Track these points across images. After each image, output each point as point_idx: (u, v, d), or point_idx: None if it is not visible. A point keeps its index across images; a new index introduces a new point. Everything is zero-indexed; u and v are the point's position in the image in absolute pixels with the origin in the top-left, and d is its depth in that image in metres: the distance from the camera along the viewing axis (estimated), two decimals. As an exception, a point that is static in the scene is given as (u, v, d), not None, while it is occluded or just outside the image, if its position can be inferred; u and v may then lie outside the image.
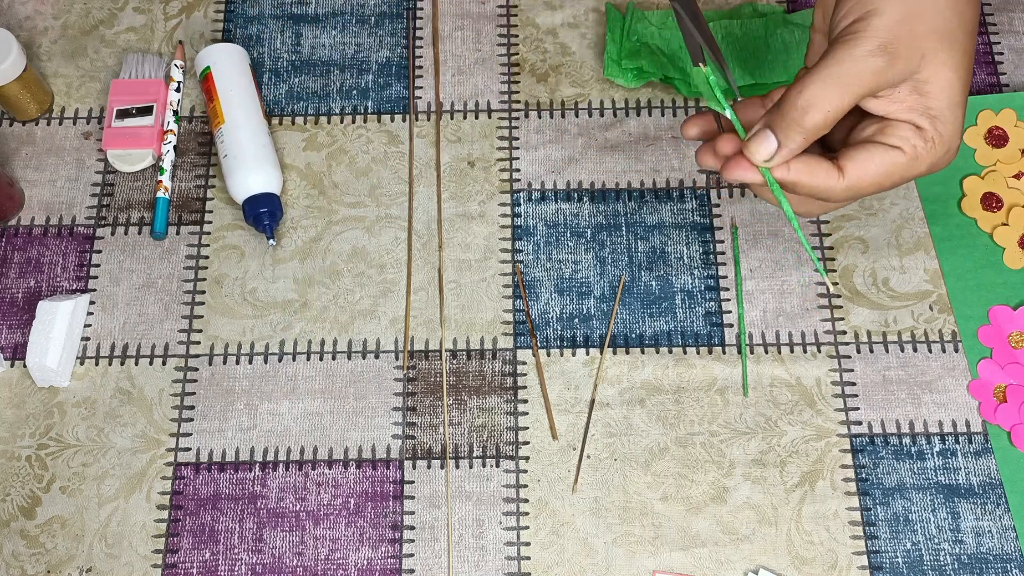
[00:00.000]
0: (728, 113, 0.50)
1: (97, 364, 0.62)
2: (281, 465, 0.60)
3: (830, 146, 0.53)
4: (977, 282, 0.63)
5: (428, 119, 0.69)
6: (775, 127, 0.48)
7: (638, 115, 0.69)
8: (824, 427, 0.60)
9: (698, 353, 0.62)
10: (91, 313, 0.64)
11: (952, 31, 0.47)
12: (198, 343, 0.63)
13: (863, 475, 0.59)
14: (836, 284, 0.62)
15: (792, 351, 0.62)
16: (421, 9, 0.73)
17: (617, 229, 0.66)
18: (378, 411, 0.61)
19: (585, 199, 0.67)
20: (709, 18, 0.71)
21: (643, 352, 0.62)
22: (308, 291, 0.64)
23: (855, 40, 0.47)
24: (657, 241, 0.65)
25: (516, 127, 0.69)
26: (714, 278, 0.64)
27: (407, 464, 0.60)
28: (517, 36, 0.72)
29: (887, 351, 0.62)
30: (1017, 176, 0.66)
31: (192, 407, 0.61)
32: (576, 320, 0.63)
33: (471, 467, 0.60)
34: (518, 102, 0.70)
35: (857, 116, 0.51)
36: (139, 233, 0.66)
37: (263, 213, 0.63)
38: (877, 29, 0.47)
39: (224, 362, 0.62)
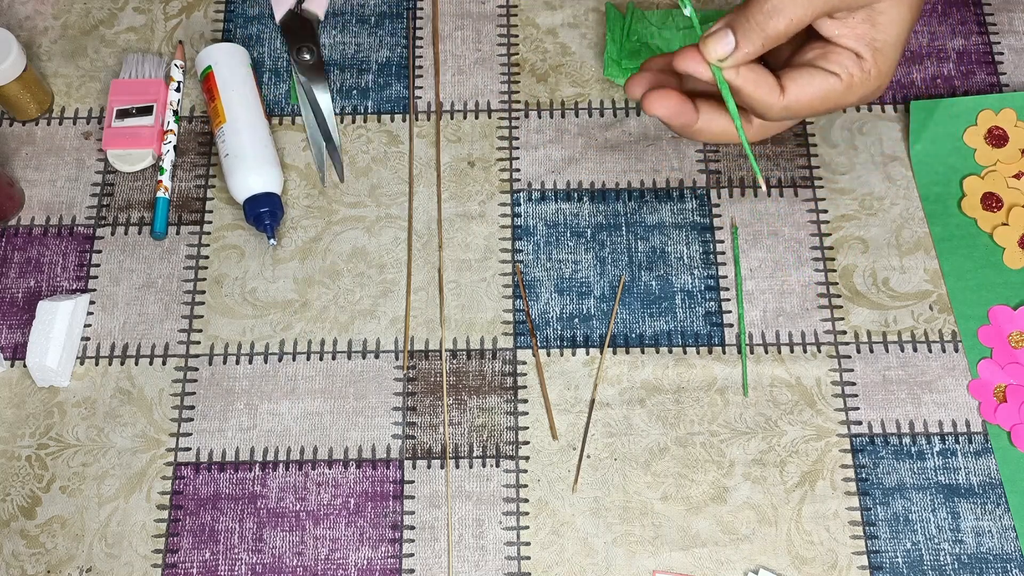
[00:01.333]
0: (688, 10, 0.51)
1: (97, 364, 0.62)
2: (281, 465, 0.60)
3: (771, 66, 0.54)
4: (977, 282, 0.63)
5: (428, 119, 0.69)
6: (736, 27, 0.49)
7: (638, 115, 0.69)
8: (824, 427, 0.60)
9: (698, 353, 0.62)
10: (91, 313, 0.64)
11: None
12: (198, 343, 0.63)
13: (863, 475, 0.59)
14: (768, 186, 0.62)
15: (792, 351, 0.62)
16: (421, 9, 0.73)
17: (617, 229, 0.66)
18: (378, 411, 0.61)
19: (585, 199, 0.67)
20: (709, 18, 0.71)
21: (643, 352, 0.62)
22: (308, 291, 0.64)
23: None
24: (657, 241, 0.65)
25: (516, 127, 0.69)
26: (714, 278, 0.64)
27: (407, 464, 0.60)
28: (517, 36, 0.72)
29: (887, 351, 0.62)
30: (1017, 176, 0.66)
31: (192, 407, 0.61)
32: (576, 320, 0.63)
33: (471, 467, 0.60)
34: (518, 102, 0.70)
35: (803, 38, 0.52)
36: (139, 233, 0.66)
37: (264, 213, 0.63)
38: None
39: (224, 362, 0.62)
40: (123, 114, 0.67)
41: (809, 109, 0.51)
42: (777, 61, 0.55)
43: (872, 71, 0.51)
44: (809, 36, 0.52)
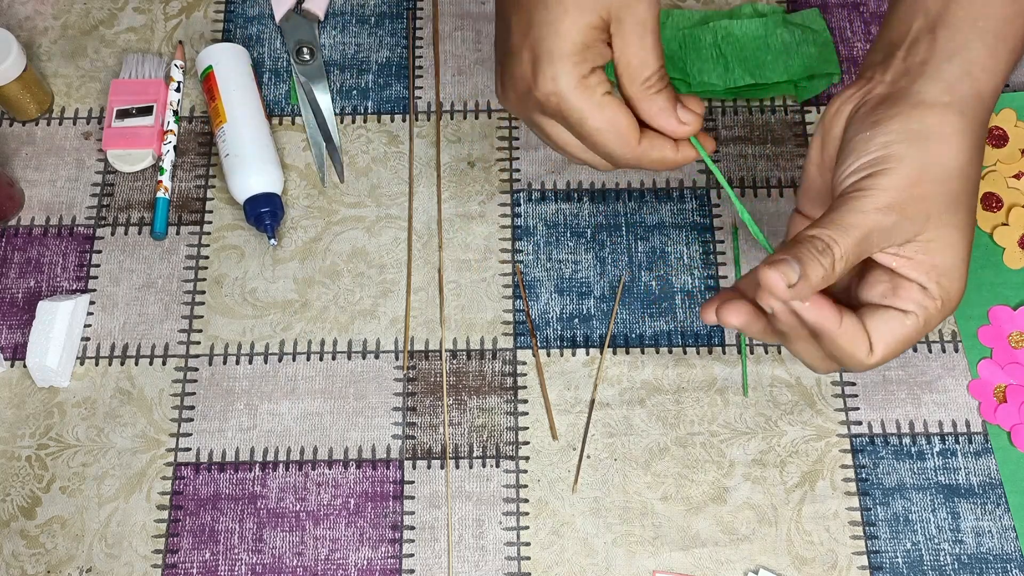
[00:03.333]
0: (746, 216, 0.50)
1: (97, 364, 0.62)
2: (281, 465, 0.60)
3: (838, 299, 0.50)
4: (977, 282, 0.63)
5: (428, 119, 0.69)
6: (799, 257, 0.45)
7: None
8: (824, 427, 0.60)
9: (698, 353, 0.62)
10: (91, 313, 0.64)
11: (958, 194, 0.47)
12: (198, 343, 0.63)
13: (863, 475, 0.59)
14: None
15: (792, 351, 0.62)
16: (421, 9, 0.73)
17: (617, 229, 0.66)
18: (378, 411, 0.61)
19: (585, 199, 0.67)
20: (709, 18, 0.71)
21: (643, 352, 0.62)
22: (308, 291, 0.64)
23: (863, 196, 0.46)
24: (657, 241, 0.65)
25: (516, 127, 0.69)
26: (714, 278, 0.64)
27: (407, 464, 0.60)
28: (517, 36, 0.72)
29: (887, 351, 0.62)
30: (1017, 176, 0.66)
31: (192, 407, 0.61)
32: (576, 320, 0.63)
33: (471, 467, 0.60)
34: (518, 102, 0.70)
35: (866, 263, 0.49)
36: (139, 233, 0.66)
37: (264, 213, 0.63)
38: (887, 188, 0.46)
39: (224, 362, 0.62)
40: (123, 114, 0.67)
41: (895, 355, 0.48)
42: (842, 292, 0.51)
43: (942, 298, 0.47)
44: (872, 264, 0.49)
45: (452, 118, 0.69)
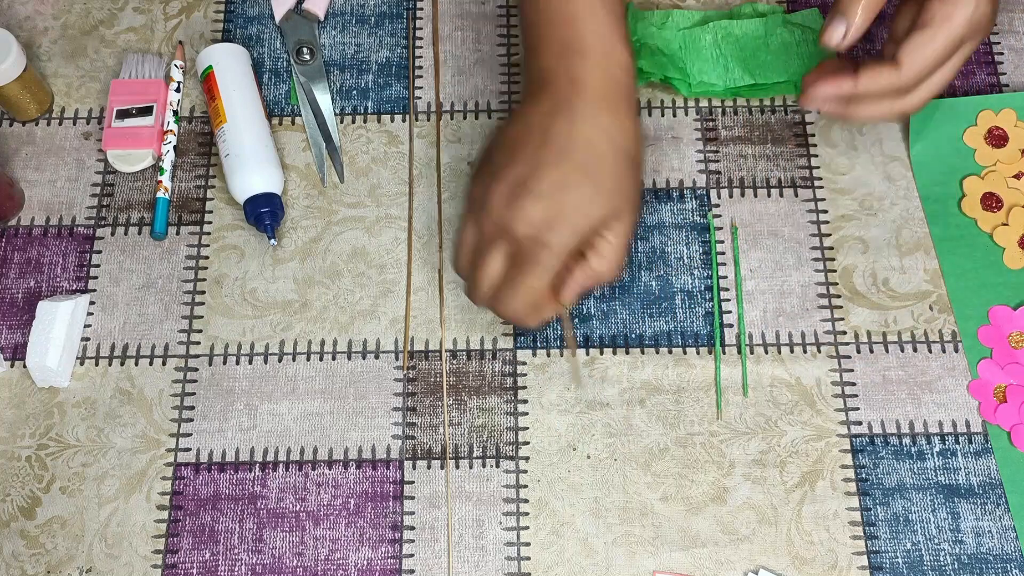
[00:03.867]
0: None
1: (97, 364, 0.62)
2: (281, 465, 0.60)
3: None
4: (977, 282, 0.63)
5: (428, 119, 0.69)
6: (841, 11, 0.56)
7: (638, 115, 0.69)
8: (824, 427, 0.60)
9: (698, 353, 0.62)
10: (91, 313, 0.64)
11: None
12: (198, 343, 0.63)
13: (863, 475, 0.59)
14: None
15: (792, 351, 0.62)
16: (421, 9, 0.73)
17: (617, 229, 0.66)
18: (378, 411, 0.61)
19: (585, 199, 0.66)
20: (709, 18, 0.71)
21: (643, 352, 0.62)
22: (308, 291, 0.64)
23: None
24: (657, 241, 0.65)
25: (516, 127, 0.69)
26: (714, 278, 0.64)
27: (407, 464, 0.60)
28: (517, 36, 0.72)
29: (887, 351, 0.62)
30: (1017, 176, 0.66)
31: (192, 407, 0.61)
32: (576, 320, 0.63)
33: (471, 467, 0.60)
34: (518, 102, 0.70)
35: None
36: (139, 233, 0.66)
37: (264, 213, 0.63)
38: None
39: (224, 362, 0.62)
40: (123, 114, 0.67)
41: (935, 63, 0.55)
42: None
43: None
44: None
45: (452, 118, 0.69)
